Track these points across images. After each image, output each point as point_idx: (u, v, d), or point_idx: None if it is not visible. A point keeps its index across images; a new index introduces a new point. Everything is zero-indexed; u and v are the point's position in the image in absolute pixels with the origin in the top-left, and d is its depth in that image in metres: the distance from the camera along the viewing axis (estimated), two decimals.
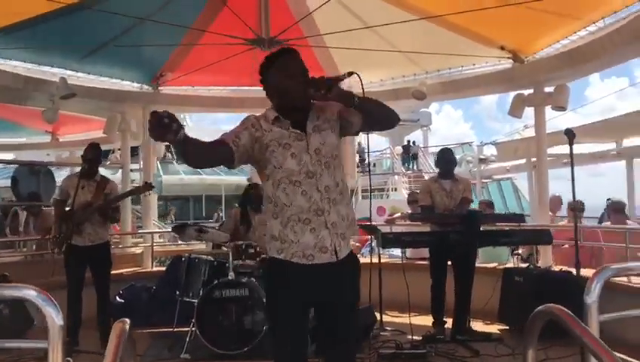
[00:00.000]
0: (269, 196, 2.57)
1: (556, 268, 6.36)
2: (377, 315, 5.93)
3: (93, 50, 6.87)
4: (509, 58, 7.06)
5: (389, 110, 2.70)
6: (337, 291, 2.57)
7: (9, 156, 16.12)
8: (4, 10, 5.67)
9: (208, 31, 6.30)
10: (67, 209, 5.51)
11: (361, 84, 2.68)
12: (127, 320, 2.01)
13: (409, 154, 26.66)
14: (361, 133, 2.83)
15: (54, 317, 1.97)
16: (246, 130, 2.50)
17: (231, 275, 5.31)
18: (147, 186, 5.90)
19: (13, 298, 1.99)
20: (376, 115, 2.68)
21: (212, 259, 5.67)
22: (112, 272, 5.84)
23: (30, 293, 2.01)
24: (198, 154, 2.42)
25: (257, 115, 2.63)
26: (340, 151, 2.67)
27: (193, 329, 5.19)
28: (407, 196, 12.95)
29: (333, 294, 2.56)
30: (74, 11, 5.72)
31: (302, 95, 2.52)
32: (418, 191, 7.33)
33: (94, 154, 5.62)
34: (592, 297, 2.30)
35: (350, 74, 2.59)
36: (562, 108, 6.85)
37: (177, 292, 5.58)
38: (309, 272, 2.49)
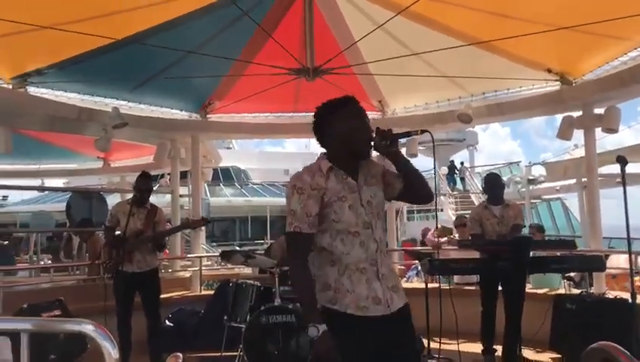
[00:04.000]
0: (324, 246, 2.57)
1: (611, 295, 6.15)
2: (425, 342, 5.86)
3: (143, 82, 7.11)
4: (556, 80, 6.96)
5: (427, 186, 2.75)
6: (395, 343, 2.57)
7: (62, 181, 16.74)
8: (58, 47, 5.96)
9: (254, 62, 6.44)
10: (117, 234, 5.66)
11: (432, 141, 2.87)
12: (180, 355, 2.06)
13: (454, 174, 26.39)
14: (392, 200, 2.84)
15: (111, 352, 2.03)
16: (311, 199, 2.51)
17: (277, 301, 5.35)
18: (203, 221, 6.00)
19: (72, 332, 2.06)
20: (417, 185, 2.69)
21: (259, 284, 5.73)
22: (162, 296, 5.96)
23: (88, 328, 2.08)
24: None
25: (307, 173, 2.58)
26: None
27: (241, 354, 5.24)
28: (454, 218, 12.82)
29: (391, 346, 2.56)
30: (125, 45, 5.94)
31: (368, 141, 2.58)
32: (466, 216, 7.26)
33: (146, 185, 5.77)
34: None
35: (423, 131, 2.74)
36: (613, 131, 6.69)
37: (225, 317, 5.64)
38: (364, 324, 2.49)
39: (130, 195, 5.95)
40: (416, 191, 2.72)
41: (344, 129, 2.57)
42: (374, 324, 2.50)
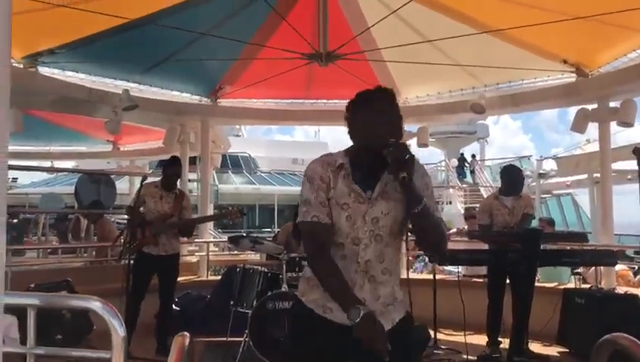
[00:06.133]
0: None
1: (620, 291, 6.09)
2: (432, 333, 5.83)
3: (155, 64, 7.08)
4: (571, 72, 6.85)
5: (442, 237, 2.33)
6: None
7: (70, 164, 16.80)
8: (71, 27, 5.92)
9: (267, 46, 6.39)
10: (142, 214, 5.63)
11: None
12: (187, 334, 2.03)
13: (464, 167, 26.25)
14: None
15: (118, 329, 2.00)
16: (321, 191, 2.22)
17: (284, 287, 5.34)
18: (238, 212, 5.95)
19: (80, 308, 2.04)
20: (428, 232, 2.25)
21: (266, 270, 5.72)
22: None
23: (96, 304, 2.05)
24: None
25: (319, 163, 2.29)
26: (403, 232, 2.32)
27: (246, 339, 5.22)
28: (462, 211, 12.77)
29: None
30: (137, 27, 5.91)
31: (379, 139, 2.16)
32: (476, 208, 7.20)
33: (176, 171, 5.79)
34: None
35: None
36: (629, 125, 6.59)
37: (231, 303, 5.63)
38: (326, 327, 2.22)
39: (138, 179, 5.93)
40: (423, 236, 2.32)
41: (360, 124, 2.26)
42: (334, 329, 2.20)
